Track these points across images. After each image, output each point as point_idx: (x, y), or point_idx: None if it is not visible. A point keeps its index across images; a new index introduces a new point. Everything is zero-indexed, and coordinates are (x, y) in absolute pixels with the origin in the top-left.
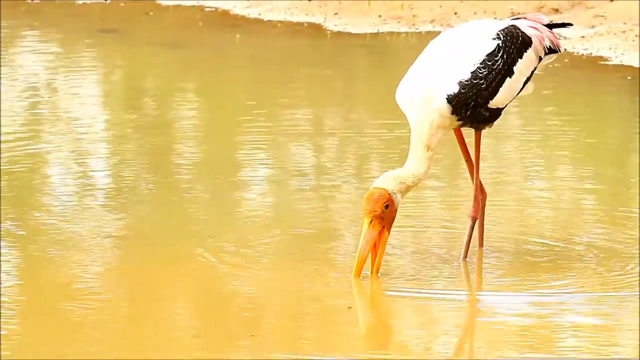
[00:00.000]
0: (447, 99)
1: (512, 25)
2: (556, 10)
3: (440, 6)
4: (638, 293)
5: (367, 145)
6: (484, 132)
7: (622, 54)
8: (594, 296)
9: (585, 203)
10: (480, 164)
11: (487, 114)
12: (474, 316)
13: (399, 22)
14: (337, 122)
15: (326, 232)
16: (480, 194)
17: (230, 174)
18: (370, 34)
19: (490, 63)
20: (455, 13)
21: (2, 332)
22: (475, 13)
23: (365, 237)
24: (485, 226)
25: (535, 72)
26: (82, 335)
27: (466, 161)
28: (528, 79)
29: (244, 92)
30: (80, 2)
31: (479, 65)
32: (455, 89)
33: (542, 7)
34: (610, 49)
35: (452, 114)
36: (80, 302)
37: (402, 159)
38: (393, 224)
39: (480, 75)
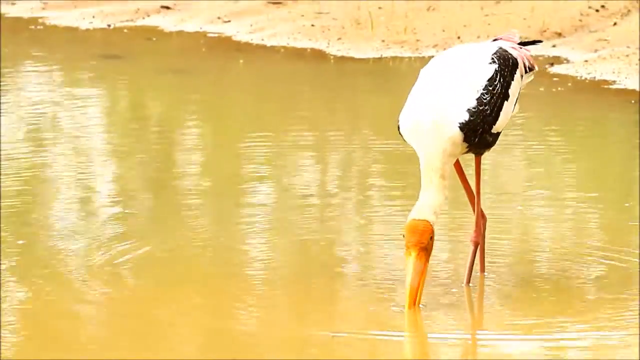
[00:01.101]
0: (459, 127)
1: (500, 48)
2: (559, 35)
3: (444, 30)
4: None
5: (372, 166)
6: (483, 156)
7: (626, 77)
8: (599, 335)
9: (588, 227)
10: (484, 188)
11: (491, 139)
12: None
13: (402, 46)
14: (341, 146)
15: (331, 255)
16: (481, 219)
17: (235, 197)
18: (374, 58)
19: (491, 88)
20: (459, 37)
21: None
22: (478, 37)
23: (415, 269)
24: (487, 251)
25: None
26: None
27: (465, 189)
28: (516, 100)
29: (248, 117)
30: (83, 28)
31: (482, 91)
32: (465, 116)
33: (545, 31)
34: (613, 72)
35: (464, 141)
36: (79, 319)
37: (407, 181)
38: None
39: (485, 101)
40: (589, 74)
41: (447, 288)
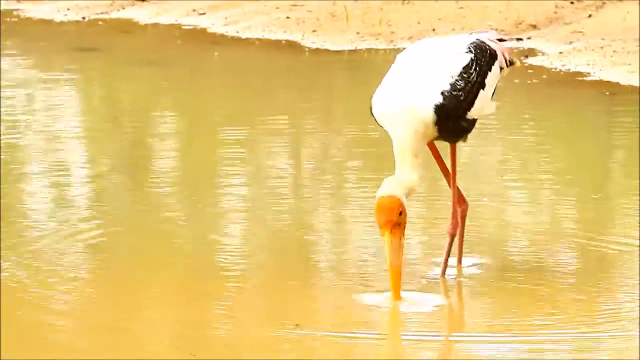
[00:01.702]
0: (433, 109)
1: (478, 39)
2: (534, 27)
3: (419, 23)
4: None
5: (347, 155)
6: (459, 145)
7: (600, 69)
8: (580, 335)
9: (563, 216)
10: (458, 180)
11: (466, 124)
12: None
13: (377, 39)
14: (316, 136)
15: (306, 244)
16: (462, 205)
17: (209, 189)
18: (349, 50)
19: (466, 76)
20: (434, 29)
21: None
22: (453, 30)
23: (392, 247)
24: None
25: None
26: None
27: (445, 175)
28: (493, 93)
29: (223, 109)
30: (58, 20)
31: (456, 77)
32: (439, 99)
33: (520, 23)
34: (588, 64)
35: (435, 124)
36: (48, 307)
37: (382, 168)
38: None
39: (459, 87)
40: (563, 65)
41: (421, 280)
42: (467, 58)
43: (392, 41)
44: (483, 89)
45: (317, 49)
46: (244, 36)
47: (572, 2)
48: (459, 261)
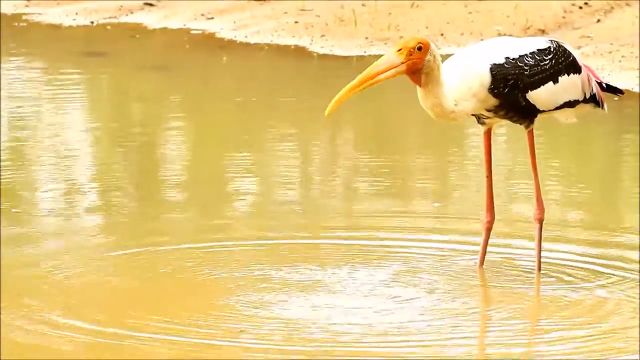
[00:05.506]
0: (490, 67)
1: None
2: (543, 32)
3: (427, 27)
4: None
5: (354, 169)
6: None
7: (609, 74)
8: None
9: (573, 228)
10: (464, 195)
11: (524, 103)
12: None
13: (385, 43)
14: (323, 146)
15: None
16: (489, 214)
17: (217, 195)
18: (357, 56)
19: (538, 58)
20: (442, 34)
21: None
22: (461, 34)
23: (386, 58)
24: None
25: (575, 110)
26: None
27: (487, 177)
28: (569, 105)
29: (231, 115)
30: (67, 24)
31: (528, 53)
32: (500, 60)
33: (528, 28)
34: (596, 69)
35: (491, 86)
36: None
37: (389, 185)
38: (412, 75)
39: (527, 62)
40: None
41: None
42: (545, 45)
43: None
44: (554, 83)
45: (326, 54)
46: (252, 41)
47: (580, 7)
48: (481, 263)
